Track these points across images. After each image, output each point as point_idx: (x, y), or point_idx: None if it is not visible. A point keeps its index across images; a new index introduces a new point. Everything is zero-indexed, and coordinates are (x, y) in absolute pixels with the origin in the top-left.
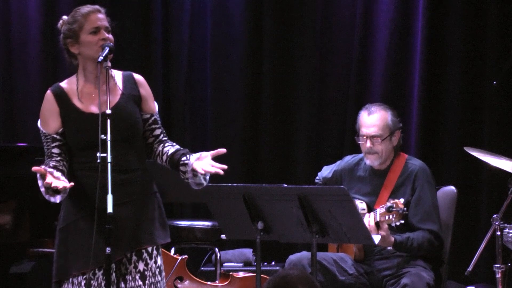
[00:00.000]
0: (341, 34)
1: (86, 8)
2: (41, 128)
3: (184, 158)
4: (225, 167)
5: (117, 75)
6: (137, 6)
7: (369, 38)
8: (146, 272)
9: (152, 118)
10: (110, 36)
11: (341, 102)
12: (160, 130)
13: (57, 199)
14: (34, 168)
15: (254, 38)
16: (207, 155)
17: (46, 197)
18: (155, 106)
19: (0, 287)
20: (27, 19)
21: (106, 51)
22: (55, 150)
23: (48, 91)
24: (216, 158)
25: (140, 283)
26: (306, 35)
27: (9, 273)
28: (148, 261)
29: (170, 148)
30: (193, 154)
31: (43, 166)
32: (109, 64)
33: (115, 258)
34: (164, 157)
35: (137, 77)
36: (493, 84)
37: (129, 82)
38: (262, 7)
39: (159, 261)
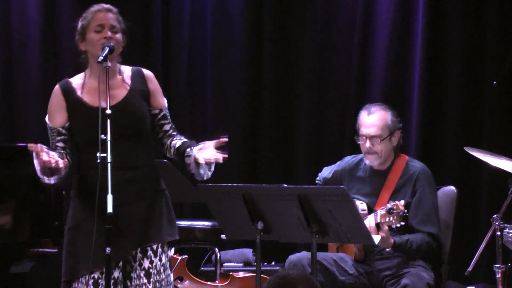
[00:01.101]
0: (341, 34)
1: (96, 7)
2: (47, 122)
3: (188, 149)
4: (226, 155)
5: (127, 71)
6: (137, 6)
7: (369, 38)
8: (151, 270)
9: (161, 114)
10: (118, 35)
11: (341, 102)
12: (169, 125)
13: (52, 180)
14: (30, 146)
15: (254, 38)
16: (209, 145)
17: (41, 177)
18: (164, 102)
19: (0, 287)
20: (27, 19)
21: (106, 51)
22: (60, 144)
23: (56, 86)
24: (220, 150)
25: (145, 281)
26: (306, 35)
27: (9, 273)
28: (153, 258)
29: (178, 141)
30: (196, 145)
31: (39, 145)
32: (109, 64)
33: (124, 256)
34: (172, 150)
35: (146, 72)
36: (493, 84)
37: (138, 77)
38: (262, 7)
39: (164, 259)
